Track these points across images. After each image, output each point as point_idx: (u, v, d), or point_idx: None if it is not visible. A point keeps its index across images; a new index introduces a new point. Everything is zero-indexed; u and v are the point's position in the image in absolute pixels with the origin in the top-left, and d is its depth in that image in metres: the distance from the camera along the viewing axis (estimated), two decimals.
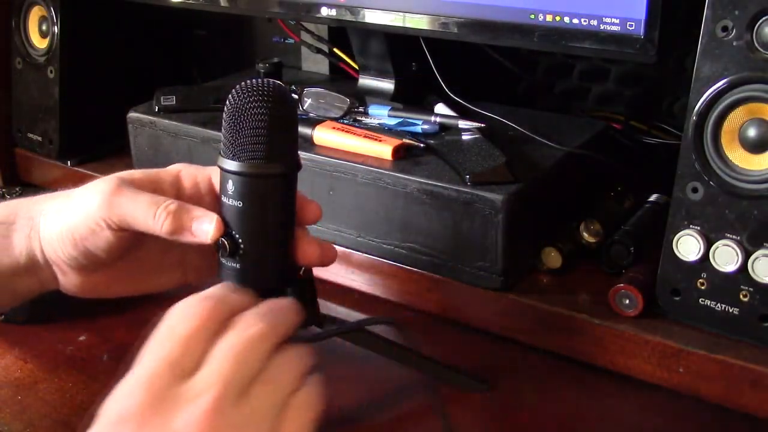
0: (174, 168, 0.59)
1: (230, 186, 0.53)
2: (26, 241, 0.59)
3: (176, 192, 0.57)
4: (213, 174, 0.57)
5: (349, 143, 0.78)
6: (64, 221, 0.57)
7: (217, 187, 0.55)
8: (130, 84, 1.00)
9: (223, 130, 0.53)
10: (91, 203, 0.55)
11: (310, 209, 0.57)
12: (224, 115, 0.53)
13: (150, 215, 0.53)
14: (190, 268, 0.61)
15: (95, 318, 0.75)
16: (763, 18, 0.58)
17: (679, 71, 0.88)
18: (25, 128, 1.04)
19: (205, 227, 0.53)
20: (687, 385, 0.64)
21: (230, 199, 0.53)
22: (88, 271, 0.58)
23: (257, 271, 0.54)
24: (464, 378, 0.66)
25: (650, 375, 0.65)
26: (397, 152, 0.77)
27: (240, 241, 0.53)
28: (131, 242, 0.57)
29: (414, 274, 0.75)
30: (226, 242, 0.53)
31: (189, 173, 0.58)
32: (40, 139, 1.03)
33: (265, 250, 0.54)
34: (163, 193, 0.56)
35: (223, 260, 0.54)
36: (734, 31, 0.59)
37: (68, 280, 0.59)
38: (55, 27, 0.98)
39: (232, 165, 0.52)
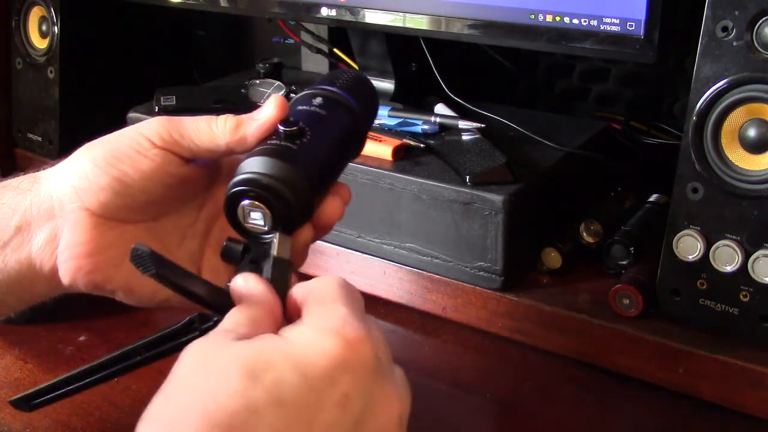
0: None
1: (318, 100, 0.53)
2: (22, 197, 0.52)
3: None
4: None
5: None
6: (100, 147, 0.52)
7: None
8: (130, 84, 1.00)
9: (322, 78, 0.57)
10: (145, 123, 0.52)
11: (344, 188, 0.54)
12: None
13: (212, 122, 0.51)
14: (207, 265, 0.56)
15: (95, 318, 0.75)
16: (763, 18, 0.58)
17: (679, 71, 0.88)
18: (25, 128, 1.05)
19: (267, 106, 0.51)
20: (687, 385, 0.64)
21: (312, 107, 0.53)
22: (102, 219, 0.51)
23: (308, 165, 0.49)
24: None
25: (650, 375, 0.65)
26: (397, 152, 0.77)
27: (309, 133, 0.50)
28: (168, 185, 0.52)
29: (414, 274, 0.75)
30: (296, 122, 0.50)
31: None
32: (40, 139, 1.03)
33: (325, 157, 0.52)
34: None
35: (275, 141, 0.50)
36: (734, 31, 0.59)
37: (76, 237, 0.51)
38: (55, 27, 0.98)
39: (326, 88, 0.54)
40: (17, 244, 0.52)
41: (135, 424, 0.64)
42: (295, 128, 0.49)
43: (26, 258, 0.52)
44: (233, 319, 0.42)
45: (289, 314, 0.44)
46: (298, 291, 0.44)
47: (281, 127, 0.50)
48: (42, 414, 0.63)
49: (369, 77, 0.60)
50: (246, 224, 0.49)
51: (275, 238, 0.48)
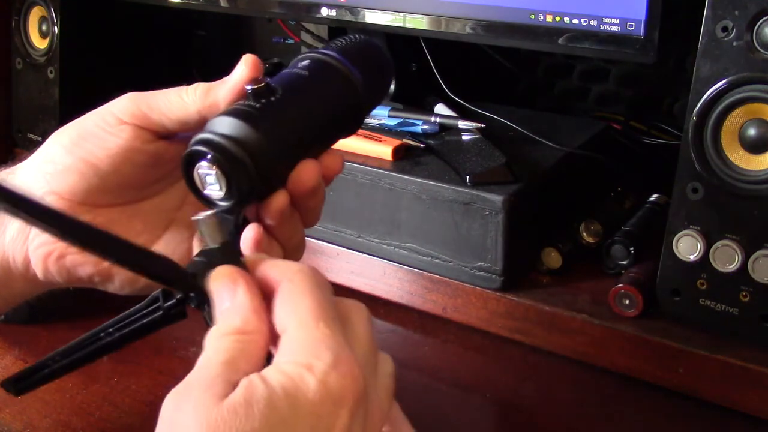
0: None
1: (305, 62, 0.49)
2: None
3: None
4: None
5: (349, 143, 0.78)
6: (69, 128, 0.50)
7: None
8: (130, 84, 1.00)
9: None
10: (115, 100, 0.50)
11: (335, 158, 0.50)
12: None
13: (182, 91, 0.48)
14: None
15: (95, 318, 0.75)
16: (763, 18, 0.58)
17: (679, 71, 0.88)
18: (25, 128, 1.04)
19: (240, 65, 0.48)
20: (687, 385, 0.64)
21: (295, 69, 0.49)
22: (76, 206, 0.49)
23: (266, 127, 0.45)
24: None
25: (650, 375, 0.65)
26: (397, 152, 0.77)
27: (279, 91, 0.47)
28: (140, 164, 0.49)
29: (414, 274, 0.75)
30: (265, 80, 0.46)
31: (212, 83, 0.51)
32: (40, 139, 1.02)
33: (295, 120, 0.47)
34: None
35: (240, 102, 0.47)
36: (734, 31, 0.59)
37: None
38: (55, 27, 0.98)
39: (316, 52, 0.50)
40: None
41: (135, 424, 0.64)
42: (261, 86, 0.46)
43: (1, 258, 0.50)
44: (228, 355, 0.38)
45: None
46: (269, 272, 0.41)
47: (247, 87, 0.46)
48: (42, 414, 0.63)
49: None
50: (204, 190, 0.45)
51: (201, 225, 0.43)
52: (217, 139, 0.44)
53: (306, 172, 0.47)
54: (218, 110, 0.47)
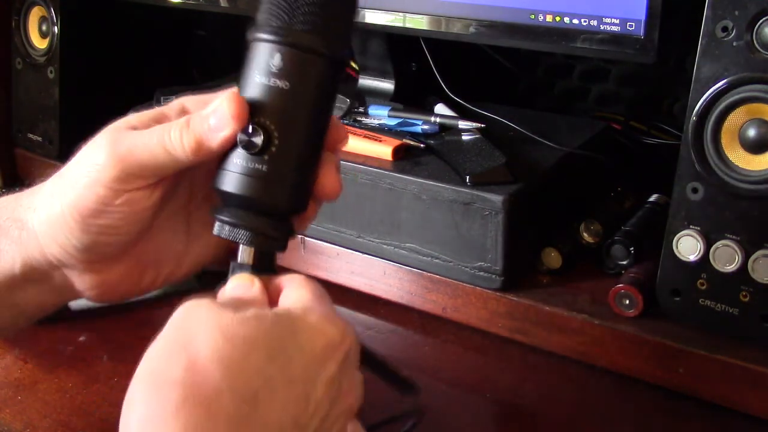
0: (176, 101, 0.51)
1: (276, 61, 0.44)
2: (17, 246, 0.50)
3: None
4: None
5: (350, 143, 0.77)
6: (64, 201, 0.48)
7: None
8: (130, 84, 1.00)
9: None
10: (93, 164, 0.47)
11: (339, 130, 0.49)
12: None
13: (166, 142, 0.46)
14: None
15: (95, 318, 0.75)
16: (763, 18, 0.58)
17: (679, 72, 0.88)
18: (25, 128, 1.04)
19: (223, 112, 0.44)
20: (687, 385, 0.64)
21: (272, 79, 0.44)
22: (105, 263, 0.50)
23: (284, 184, 0.45)
24: (392, 377, 0.55)
25: (650, 375, 0.65)
26: (397, 152, 0.77)
27: (276, 133, 0.43)
28: (150, 216, 0.49)
29: (414, 274, 0.75)
30: (257, 129, 0.43)
31: (195, 100, 0.50)
32: (40, 139, 1.03)
33: (303, 151, 0.45)
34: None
35: (243, 162, 0.44)
36: (734, 31, 0.59)
37: (87, 282, 0.51)
38: (55, 27, 0.98)
39: (284, 35, 0.44)
40: (34, 286, 0.51)
41: None
42: (258, 146, 0.44)
43: (49, 291, 0.52)
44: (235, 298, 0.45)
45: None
46: (280, 278, 0.47)
47: (244, 151, 0.44)
48: (42, 414, 0.63)
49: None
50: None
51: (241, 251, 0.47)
52: (240, 223, 0.46)
53: (329, 186, 0.49)
54: (212, 157, 0.47)
